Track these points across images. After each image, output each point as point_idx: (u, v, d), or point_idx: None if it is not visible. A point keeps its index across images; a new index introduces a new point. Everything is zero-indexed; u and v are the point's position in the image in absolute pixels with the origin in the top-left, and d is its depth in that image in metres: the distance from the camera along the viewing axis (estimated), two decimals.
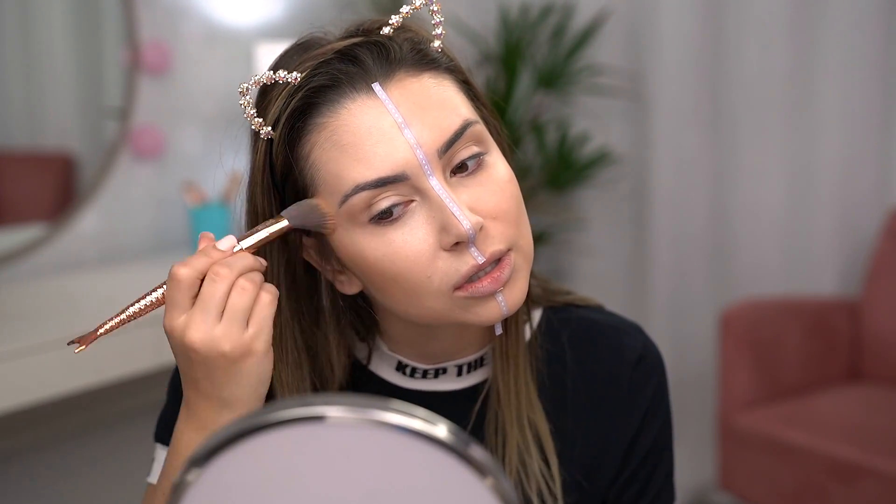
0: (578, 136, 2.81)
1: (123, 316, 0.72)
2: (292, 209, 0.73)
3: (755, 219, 2.70)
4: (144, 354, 1.88)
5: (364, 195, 0.71)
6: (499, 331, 0.78)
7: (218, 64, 2.59)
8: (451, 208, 0.70)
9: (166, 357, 1.83)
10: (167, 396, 0.89)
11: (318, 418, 0.48)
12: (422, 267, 0.71)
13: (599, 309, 0.92)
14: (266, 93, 0.76)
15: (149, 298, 0.72)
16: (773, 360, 2.40)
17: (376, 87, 0.71)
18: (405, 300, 0.74)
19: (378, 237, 0.72)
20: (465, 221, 0.70)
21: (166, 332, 0.70)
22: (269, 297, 0.70)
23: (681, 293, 2.82)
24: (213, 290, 0.69)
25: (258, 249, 0.74)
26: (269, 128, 0.74)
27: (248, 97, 0.74)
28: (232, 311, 0.69)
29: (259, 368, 0.70)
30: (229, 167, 2.62)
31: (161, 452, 0.85)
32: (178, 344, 0.70)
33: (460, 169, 0.73)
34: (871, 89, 2.53)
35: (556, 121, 2.81)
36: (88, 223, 2.36)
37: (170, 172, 2.51)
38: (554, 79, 2.72)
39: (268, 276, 0.77)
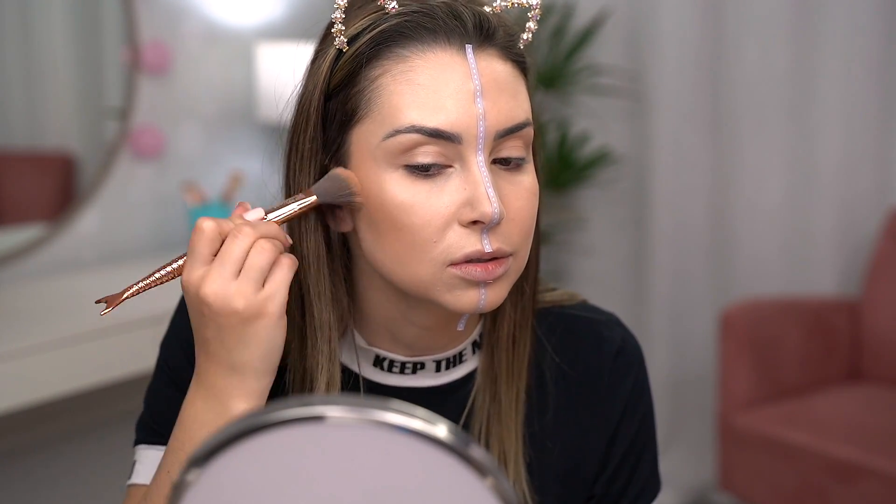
0: (578, 136, 2.81)
1: (149, 280, 0.73)
2: (322, 182, 0.74)
3: (755, 219, 2.71)
4: (144, 354, 1.88)
5: (414, 138, 0.71)
6: (461, 327, 0.79)
7: (218, 64, 2.60)
8: (487, 188, 0.71)
9: None
10: (144, 404, 0.88)
11: (318, 418, 0.48)
12: (434, 229, 0.72)
13: (581, 304, 0.92)
14: (354, 7, 0.75)
15: (173, 265, 0.73)
16: (773, 360, 2.41)
17: (469, 49, 0.73)
18: (399, 255, 0.73)
19: (405, 185, 0.72)
20: (496, 205, 0.71)
21: (183, 286, 0.70)
22: (288, 262, 0.70)
23: (681, 293, 2.82)
24: (233, 247, 0.69)
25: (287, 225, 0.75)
26: (345, 39, 0.74)
27: (343, 2, 0.74)
28: (249, 268, 0.69)
29: (271, 333, 0.70)
30: (229, 167, 2.63)
31: (143, 452, 0.85)
32: (192, 298, 0.70)
33: (503, 162, 0.74)
34: (871, 89, 2.53)
35: (556, 121, 2.81)
36: (88, 223, 2.36)
37: (170, 172, 2.51)
38: (554, 79, 2.72)
39: (303, 237, 0.78)
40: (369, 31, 0.73)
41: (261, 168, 2.70)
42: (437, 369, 0.84)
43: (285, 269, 0.70)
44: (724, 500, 2.63)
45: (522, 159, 0.75)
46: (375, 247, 0.75)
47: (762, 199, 2.69)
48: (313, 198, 0.74)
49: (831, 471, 2.12)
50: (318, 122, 0.75)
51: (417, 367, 0.83)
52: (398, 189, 0.72)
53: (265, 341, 0.70)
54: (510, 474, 0.83)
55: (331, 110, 0.75)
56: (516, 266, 0.76)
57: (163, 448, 0.84)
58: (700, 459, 2.78)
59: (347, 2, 0.74)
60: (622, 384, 0.88)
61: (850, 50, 2.52)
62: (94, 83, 2.43)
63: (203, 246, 0.69)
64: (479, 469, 0.48)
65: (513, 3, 0.77)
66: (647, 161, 2.82)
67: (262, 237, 0.70)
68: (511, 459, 0.83)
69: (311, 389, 0.78)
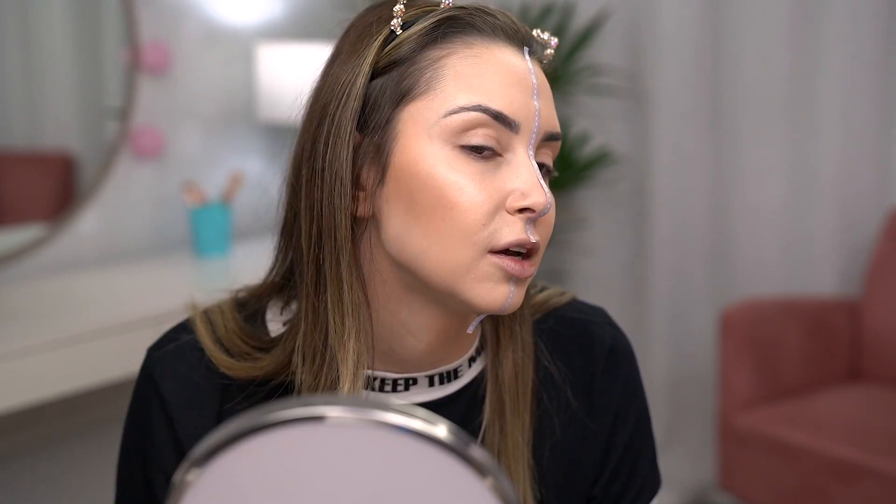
0: (578, 136, 2.81)
1: None
2: None
3: (755, 219, 2.71)
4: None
5: (477, 117, 0.72)
6: (470, 330, 0.77)
7: (218, 64, 2.59)
8: (540, 178, 0.73)
9: None
10: (120, 453, 0.85)
11: (318, 418, 0.48)
12: (485, 211, 0.71)
13: (570, 303, 0.91)
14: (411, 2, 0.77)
15: None
16: (773, 360, 2.41)
17: (526, 51, 0.76)
18: (437, 236, 0.71)
19: (459, 164, 0.72)
20: (549, 194, 0.72)
21: None
22: None
23: (681, 293, 2.82)
24: None
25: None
26: (401, 22, 0.75)
27: None
28: None
29: None
30: (229, 167, 2.63)
31: None
32: None
33: (538, 167, 0.75)
34: (871, 89, 2.53)
35: None
36: (88, 223, 2.36)
37: (170, 172, 2.51)
38: (554, 79, 2.72)
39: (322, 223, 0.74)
40: (434, 16, 0.74)
41: (261, 168, 2.70)
42: (430, 384, 0.82)
43: None
44: (724, 500, 2.63)
45: (551, 170, 0.77)
46: (408, 228, 0.73)
47: (762, 199, 2.69)
48: None
49: (831, 471, 2.12)
50: (360, 100, 0.74)
51: (410, 383, 0.81)
52: (452, 167, 0.72)
53: None
54: None
55: (376, 88, 0.74)
56: (535, 271, 0.76)
57: None
58: (700, 459, 2.78)
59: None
60: (614, 385, 0.88)
61: (850, 50, 2.52)
62: (94, 83, 2.43)
63: None
64: (479, 469, 0.48)
65: (537, 35, 0.79)
66: (647, 161, 2.82)
67: None
68: (520, 494, 0.82)
69: (336, 370, 0.75)
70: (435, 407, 0.82)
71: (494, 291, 0.72)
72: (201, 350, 0.80)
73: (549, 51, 0.80)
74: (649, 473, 0.90)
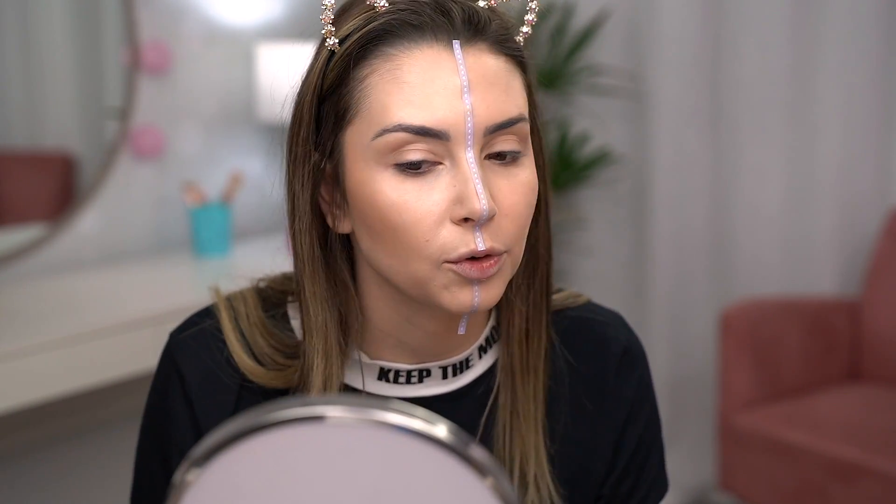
0: (578, 136, 2.81)
1: None
2: None
3: (755, 218, 2.71)
4: (144, 354, 1.88)
5: (402, 136, 0.70)
6: (461, 331, 0.77)
7: (218, 64, 2.59)
8: (476, 184, 0.70)
9: None
10: (140, 433, 0.86)
11: (318, 418, 0.48)
12: (426, 228, 0.71)
13: (585, 305, 0.91)
14: (347, 8, 0.76)
15: None
16: (773, 360, 2.40)
17: (456, 44, 0.72)
18: (394, 254, 0.73)
19: (395, 184, 0.71)
20: (484, 202, 0.70)
21: None
22: None
23: (681, 293, 2.82)
24: None
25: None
26: (336, 40, 0.74)
27: (331, 1, 0.74)
28: None
29: None
30: (229, 167, 2.63)
31: None
32: None
33: (497, 156, 0.73)
34: (871, 89, 2.53)
35: (556, 121, 2.81)
36: (88, 223, 2.36)
37: (170, 172, 2.51)
38: (554, 79, 2.72)
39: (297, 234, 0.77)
40: (358, 31, 0.73)
41: (261, 168, 2.70)
42: (444, 376, 0.82)
43: None
44: (724, 500, 2.63)
45: (518, 153, 0.74)
46: (372, 247, 0.74)
47: (762, 199, 2.69)
48: None
49: (831, 471, 2.12)
50: (311, 123, 0.75)
51: (423, 375, 0.82)
52: (388, 189, 0.71)
53: None
54: (532, 470, 0.82)
55: (325, 112, 0.75)
56: (511, 262, 0.75)
57: None
58: (700, 459, 2.78)
59: (338, 2, 0.74)
60: (627, 385, 0.88)
61: (850, 50, 2.52)
62: (94, 83, 2.43)
63: None
64: (479, 469, 0.48)
65: None
66: (647, 161, 2.82)
67: None
68: (532, 455, 0.82)
69: (307, 387, 0.77)
70: (450, 399, 0.83)
71: (458, 296, 0.73)
72: (223, 342, 0.82)
73: (528, 16, 0.77)
74: (658, 476, 0.90)
